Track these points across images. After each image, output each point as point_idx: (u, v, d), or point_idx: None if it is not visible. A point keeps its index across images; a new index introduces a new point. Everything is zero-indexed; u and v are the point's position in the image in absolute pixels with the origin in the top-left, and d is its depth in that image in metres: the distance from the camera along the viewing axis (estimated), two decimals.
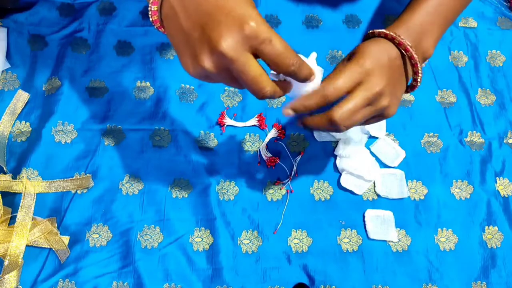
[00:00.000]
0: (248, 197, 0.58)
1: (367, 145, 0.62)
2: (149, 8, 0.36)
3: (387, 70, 0.43)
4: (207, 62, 0.34)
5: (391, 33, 0.44)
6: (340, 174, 0.60)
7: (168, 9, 0.35)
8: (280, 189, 0.59)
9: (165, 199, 0.57)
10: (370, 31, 0.47)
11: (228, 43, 0.32)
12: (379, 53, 0.43)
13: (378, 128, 0.62)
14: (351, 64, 0.42)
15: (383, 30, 0.45)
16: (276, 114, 0.63)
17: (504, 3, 0.74)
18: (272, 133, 0.61)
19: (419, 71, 0.45)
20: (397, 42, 0.44)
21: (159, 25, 0.37)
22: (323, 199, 0.59)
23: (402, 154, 0.61)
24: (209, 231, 0.56)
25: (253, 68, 0.34)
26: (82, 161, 0.58)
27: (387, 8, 0.71)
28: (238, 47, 0.33)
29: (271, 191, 0.59)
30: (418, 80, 0.46)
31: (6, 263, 0.50)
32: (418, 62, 0.45)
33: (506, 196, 0.61)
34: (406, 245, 0.57)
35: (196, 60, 0.34)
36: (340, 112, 0.40)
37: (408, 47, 0.44)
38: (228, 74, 0.35)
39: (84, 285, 0.53)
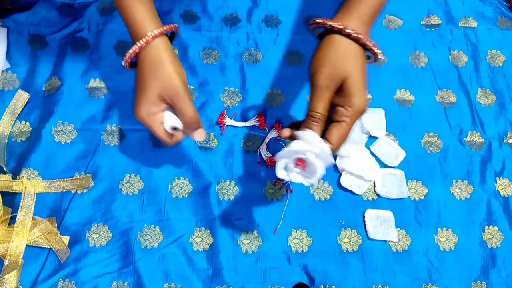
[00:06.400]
0: (248, 197, 0.58)
1: (367, 145, 0.62)
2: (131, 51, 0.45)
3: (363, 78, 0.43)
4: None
5: (359, 36, 0.42)
6: (340, 174, 0.60)
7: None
8: (280, 189, 0.59)
9: (165, 199, 0.57)
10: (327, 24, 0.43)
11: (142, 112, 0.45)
12: (359, 70, 0.42)
13: (378, 128, 0.62)
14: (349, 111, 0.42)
15: (348, 30, 0.42)
16: (276, 114, 0.63)
17: (504, 3, 0.74)
18: (272, 133, 0.61)
19: (378, 51, 0.43)
20: (361, 42, 0.42)
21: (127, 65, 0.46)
22: (323, 199, 0.59)
23: (402, 154, 0.61)
24: (209, 231, 0.56)
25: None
26: (82, 161, 0.58)
27: (387, 9, 0.71)
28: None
29: (271, 191, 0.59)
30: (379, 56, 0.44)
31: (6, 263, 0.50)
32: (375, 48, 0.43)
33: (506, 196, 0.61)
34: (406, 245, 0.57)
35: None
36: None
37: (369, 43, 0.42)
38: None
39: (84, 285, 0.53)
